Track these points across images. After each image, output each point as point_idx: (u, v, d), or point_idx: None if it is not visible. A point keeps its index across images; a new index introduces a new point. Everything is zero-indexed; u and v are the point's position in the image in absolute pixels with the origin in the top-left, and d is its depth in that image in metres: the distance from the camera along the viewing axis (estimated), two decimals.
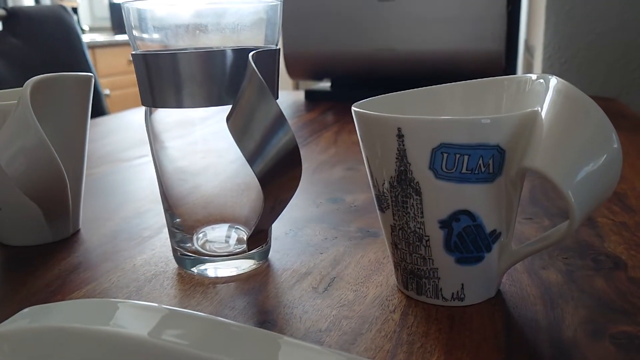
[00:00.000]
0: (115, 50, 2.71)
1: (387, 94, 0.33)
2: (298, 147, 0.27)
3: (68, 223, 0.40)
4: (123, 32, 2.99)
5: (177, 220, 0.35)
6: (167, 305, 0.30)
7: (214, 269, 0.33)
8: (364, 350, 0.26)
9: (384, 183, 0.28)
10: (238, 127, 0.28)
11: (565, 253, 0.35)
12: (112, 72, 2.63)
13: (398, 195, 0.28)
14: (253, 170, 0.27)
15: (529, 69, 1.35)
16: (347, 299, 0.30)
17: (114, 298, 0.31)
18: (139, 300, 0.31)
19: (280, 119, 0.27)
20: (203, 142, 0.34)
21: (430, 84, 0.34)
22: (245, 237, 0.34)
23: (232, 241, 0.35)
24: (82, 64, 1.15)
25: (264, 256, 0.35)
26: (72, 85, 0.37)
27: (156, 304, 0.25)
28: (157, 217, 0.44)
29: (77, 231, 0.42)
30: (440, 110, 0.33)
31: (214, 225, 0.35)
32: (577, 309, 0.29)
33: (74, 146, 0.39)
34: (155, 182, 0.54)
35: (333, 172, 0.55)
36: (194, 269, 0.34)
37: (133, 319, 0.24)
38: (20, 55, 1.05)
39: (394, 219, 0.29)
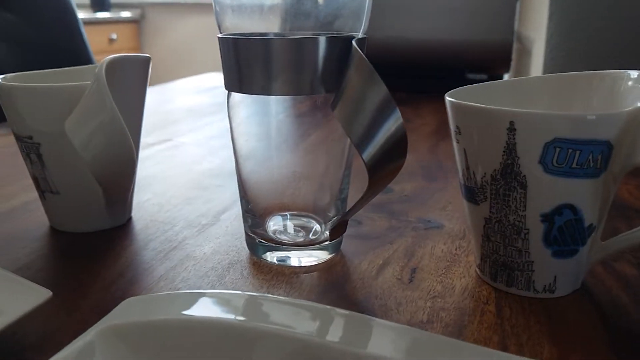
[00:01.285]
0: (95, 29, 2.63)
1: (472, 85, 0.33)
2: (406, 135, 0.27)
3: (125, 209, 0.39)
4: (103, 9, 2.89)
5: (250, 206, 0.34)
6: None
7: (297, 258, 0.33)
8: (474, 342, 0.26)
9: (483, 176, 0.28)
10: (346, 113, 0.27)
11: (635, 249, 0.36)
12: (94, 51, 2.55)
13: (500, 188, 0.28)
14: (361, 157, 0.27)
15: (525, 58, 1.37)
16: (436, 290, 0.31)
17: (198, 288, 0.31)
18: (224, 289, 0.30)
19: (390, 104, 0.26)
20: (280, 129, 0.33)
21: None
22: (316, 228, 0.34)
23: (308, 231, 0.34)
24: (78, 41, 1.11)
25: (338, 247, 0.35)
26: (137, 66, 0.36)
27: (268, 294, 0.25)
28: (209, 204, 0.43)
29: (130, 218, 0.40)
30: (527, 103, 0.33)
31: (285, 213, 0.34)
32: None
33: (135, 127, 0.37)
34: (193, 168, 0.53)
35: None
36: (273, 258, 0.33)
37: (247, 309, 0.24)
38: (15, 30, 1.01)
39: (490, 212, 0.29)
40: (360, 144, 0.27)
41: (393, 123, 0.26)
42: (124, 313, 0.24)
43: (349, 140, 0.32)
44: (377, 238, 0.37)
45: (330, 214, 0.34)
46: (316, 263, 0.33)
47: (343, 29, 0.31)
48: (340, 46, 0.29)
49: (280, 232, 0.34)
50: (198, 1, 3.05)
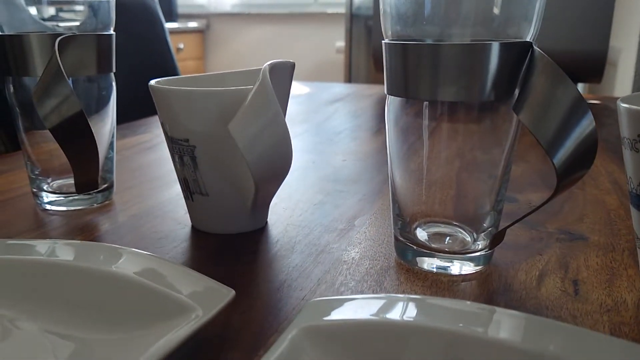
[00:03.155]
0: None
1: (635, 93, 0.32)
2: (597, 139, 0.26)
3: (266, 212, 0.40)
4: (171, 19, 2.96)
5: (400, 211, 0.34)
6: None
7: (458, 266, 0.33)
8: None
9: None
10: (534, 116, 0.27)
11: None
12: None
13: None
14: (551, 161, 0.26)
15: (610, 70, 1.33)
16: (607, 304, 0.29)
17: (360, 292, 0.31)
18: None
19: (583, 105, 0.26)
20: (437, 137, 0.33)
21: None
22: (466, 238, 0.33)
23: (456, 240, 0.34)
24: (165, 51, 1.15)
25: (490, 258, 0.34)
26: (286, 71, 0.37)
27: (452, 299, 0.25)
28: (338, 209, 0.43)
29: (266, 222, 0.41)
30: None
31: (435, 221, 0.34)
32: None
33: None
34: (309, 174, 0.53)
35: None
36: (431, 266, 0.33)
37: (429, 313, 0.24)
38: None
39: None
40: (551, 148, 0.26)
41: (587, 125, 0.26)
42: (313, 315, 0.25)
43: (507, 149, 0.32)
44: (524, 248, 0.36)
45: (485, 225, 0.33)
46: (472, 272, 0.33)
47: (508, 33, 0.31)
48: (516, 51, 0.29)
49: (430, 240, 0.34)
50: (261, 11, 3.12)
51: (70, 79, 0.41)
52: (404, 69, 0.31)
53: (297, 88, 1.15)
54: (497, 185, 0.33)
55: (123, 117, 0.79)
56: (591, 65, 0.93)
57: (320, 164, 0.57)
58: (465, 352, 0.22)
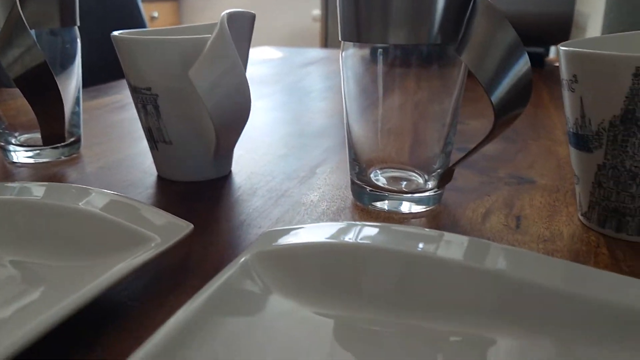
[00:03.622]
0: None
1: (582, 39, 0.34)
2: (532, 80, 0.28)
3: (229, 160, 0.41)
4: None
5: (356, 156, 0.35)
6: None
7: (408, 205, 0.34)
8: None
9: (601, 122, 0.29)
10: (475, 56, 0.28)
11: None
12: None
13: (618, 134, 0.29)
14: (490, 99, 0.28)
15: (579, 34, 1.35)
16: (545, 235, 0.32)
17: None
18: None
19: (520, 47, 0.27)
20: (389, 82, 0.35)
21: None
22: (419, 180, 0.35)
23: (410, 183, 0.36)
24: (136, 14, 1.13)
25: (440, 198, 0.36)
26: (246, 22, 0.38)
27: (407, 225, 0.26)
28: (301, 160, 0.45)
29: (231, 171, 0.42)
30: None
31: (389, 165, 0.36)
32: None
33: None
34: (276, 130, 0.55)
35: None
36: (384, 205, 0.35)
37: (383, 237, 0.26)
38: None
39: (605, 159, 0.30)
40: (489, 87, 0.28)
41: (523, 66, 0.27)
42: (267, 242, 0.26)
43: (456, 95, 0.34)
44: (474, 191, 0.39)
45: (435, 167, 0.35)
46: (423, 210, 0.35)
47: None
48: None
49: (384, 183, 0.35)
50: None
51: (34, 31, 0.42)
52: (356, 14, 0.32)
53: (272, 53, 1.15)
54: (447, 130, 0.35)
55: (95, 82, 0.79)
56: (557, 28, 0.95)
57: (288, 120, 0.59)
58: (420, 272, 0.24)
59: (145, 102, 0.38)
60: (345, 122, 0.36)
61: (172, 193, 0.38)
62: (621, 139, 0.29)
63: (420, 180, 0.36)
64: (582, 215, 0.33)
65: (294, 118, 0.60)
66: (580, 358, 0.20)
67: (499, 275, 0.23)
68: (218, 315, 0.21)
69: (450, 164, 0.34)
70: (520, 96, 0.28)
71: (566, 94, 0.31)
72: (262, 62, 1.02)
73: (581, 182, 0.32)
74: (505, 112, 0.29)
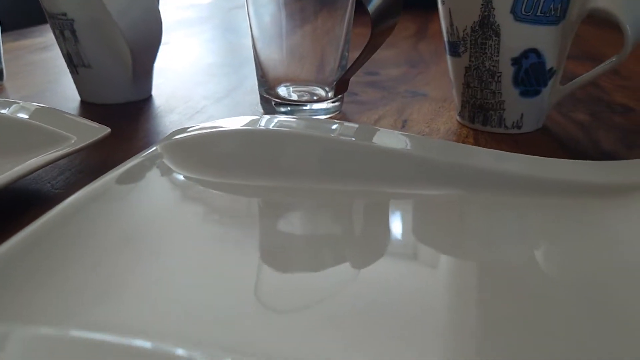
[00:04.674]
0: None
1: None
2: None
3: (149, 83, 0.44)
4: None
5: (263, 74, 0.39)
6: None
7: (308, 114, 0.39)
8: None
9: (465, 29, 0.34)
10: None
11: (582, 104, 0.43)
12: None
13: (478, 38, 0.34)
14: (367, 8, 0.32)
15: None
16: (424, 132, 0.37)
17: None
18: None
19: None
20: (290, 9, 0.38)
21: None
22: (321, 93, 0.40)
23: (313, 95, 0.40)
24: None
25: (340, 107, 0.41)
26: None
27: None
28: (219, 85, 0.48)
29: (151, 95, 0.45)
30: None
31: (294, 82, 0.40)
32: (607, 133, 0.36)
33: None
34: (197, 62, 0.57)
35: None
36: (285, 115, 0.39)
37: (300, 125, 0.29)
38: None
39: (469, 61, 0.35)
40: None
41: None
42: (179, 134, 0.30)
43: (348, 16, 0.38)
44: (373, 103, 0.43)
45: (333, 79, 0.39)
46: (324, 117, 0.39)
47: None
48: None
49: (290, 95, 0.39)
50: None
51: None
52: None
53: None
54: (341, 46, 0.39)
55: (16, 27, 0.78)
56: None
57: (212, 53, 0.61)
58: (339, 156, 0.28)
59: (62, 27, 0.40)
60: (252, 45, 0.39)
61: (94, 114, 0.41)
62: (480, 42, 0.34)
63: (322, 93, 0.40)
64: (458, 115, 0.39)
65: (218, 52, 0.63)
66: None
67: (375, 148, 0.27)
68: (124, 195, 0.25)
69: (346, 71, 0.38)
70: (393, 7, 0.32)
71: (440, 7, 0.36)
72: (190, 6, 1.03)
73: (455, 85, 0.37)
74: (381, 22, 0.33)
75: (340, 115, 0.40)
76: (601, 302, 0.19)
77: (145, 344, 0.16)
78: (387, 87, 0.47)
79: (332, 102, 0.40)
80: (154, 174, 0.27)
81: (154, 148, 0.28)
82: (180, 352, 0.16)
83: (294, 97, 0.40)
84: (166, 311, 0.18)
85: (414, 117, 0.40)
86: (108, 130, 0.31)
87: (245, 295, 0.20)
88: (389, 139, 0.29)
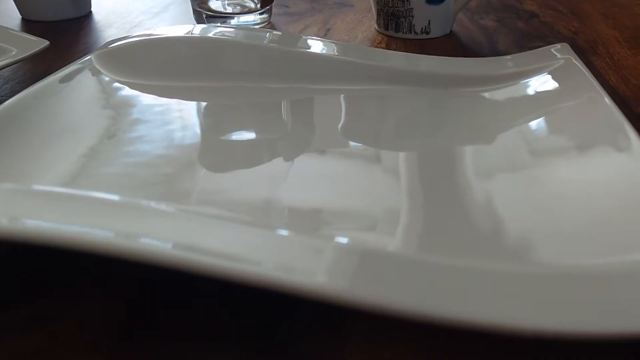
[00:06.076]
0: None
1: None
2: None
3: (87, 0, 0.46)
4: None
5: None
6: None
7: (237, 20, 0.42)
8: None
9: None
10: None
11: (494, 11, 0.46)
12: None
13: None
14: None
15: None
16: (344, 39, 0.40)
17: None
18: None
19: None
20: None
21: None
22: (251, 5, 0.42)
23: (244, 7, 0.43)
24: None
25: (269, 18, 0.44)
26: None
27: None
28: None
29: (91, 12, 0.47)
30: None
31: None
32: (506, 37, 0.40)
33: None
34: None
35: None
36: (217, 24, 0.42)
37: (237, 35, 0.33)
38: None
39: None
40: None
41: None
42: (114, 42, 0.33)
43: None
44: (301, 14, 0.46)
45: None
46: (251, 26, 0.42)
47: None
48: None
49: (221, 8, 0.42)
50: None
51: None
52: None
53: None
54: None
55: None
56: None
57: None
58: (274, 64, 0.31)
59: None
60: None
61: (35, 30, 0.43)
62: None
63: (252, 4, 0.43)
64: (375, 23, 0.42)
65: None
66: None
67: (297, 53, 0.31)
68: (61, 95, 0.28)
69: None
70: None
71: None
72: None
73: None
74: None
75: (268, 26, 0.43)
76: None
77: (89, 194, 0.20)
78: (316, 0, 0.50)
79: (260, 14, 0.43)
80: (87, 78, 0.30)
81: (89, 57, 0.31)
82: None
83: (229, 9, 0.43)
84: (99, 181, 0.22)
85: (337, 27, 0.43)
86: (47, 42, 0.34)
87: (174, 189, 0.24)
88: (309, 44, 0.32)
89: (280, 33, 0.33)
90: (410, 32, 0.40)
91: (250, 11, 0.42)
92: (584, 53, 0.37)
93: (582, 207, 0.19)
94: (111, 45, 0.32)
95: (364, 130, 0.27)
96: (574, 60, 0.29)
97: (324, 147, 0.25)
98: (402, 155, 0.25)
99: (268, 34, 0.33)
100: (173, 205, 0.21)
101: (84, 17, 0.46)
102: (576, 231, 0.18)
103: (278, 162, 0.24)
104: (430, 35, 0.40)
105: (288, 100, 0.30)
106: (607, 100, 0.23)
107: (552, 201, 0.20)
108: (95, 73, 0.31)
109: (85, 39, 0.41)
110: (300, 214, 0.21)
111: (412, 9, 0.39)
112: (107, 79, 0.31)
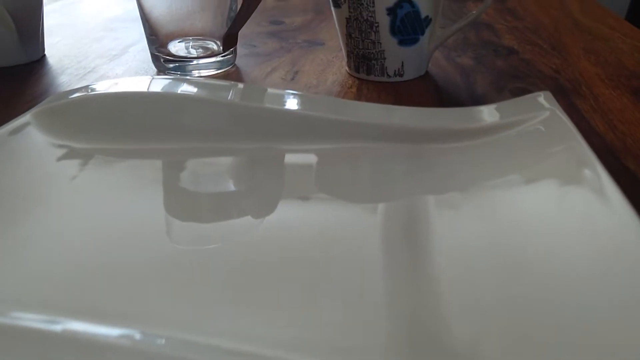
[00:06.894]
0: None
1: None
2: None
3: (38, 45, 0.43)
4: None
5: (153, 31, 0.39)
6: None
7: (197, 71, 0.39)
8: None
9: None
10: None
11: (472, 48, 0.44)
12: None
13: None
14: None
15: None
16: (312, 83, 0.38)
17: None
18: None
19: None
20: None
21: None
22: (214, 47, 0.40)
23: (206, 50, 0.40)
24: None
25: (233, 61, 0.41)
26: None
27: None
28: (117, 40, 0.47)
29: (44, 55, 0.44)
30: None
31: (185, 37, 0.40)
32: (484, 77, 0.38)
33: None
34: (99, 15, 0.56)
35: (265, 2, 0.60)
36: (176, 73, 0.39)
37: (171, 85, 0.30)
38: None
39: (349, 12, 0.36)
40: None
41: None
42: (55, 100, 0.30)
43: None
44: (268, 55, 0.44)
45: (224, 33, 0.39)
46: (216, 73, 0.40)
47: None
48: None
49: (186, 52, 0.40)
50: None
51: None
52: None
53: None
54: (229, 1, 0.39)
55: None
56: None
57: (112, 7, 0.60)
58: (243, 119, 0.29)
59: None
60: (137, 3, 0.39)
61: None
62: None
63: (215, 47, 0.40)
64: (347, 65, 0.40)
65: (122, 3, 0.61)
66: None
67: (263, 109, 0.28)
68: None
69: (230, 26, 0.38)
70: None
71: None
72: None
73: (340, 35, 0.38)
74: None
75: (233, 68, 0.41)
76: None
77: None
78: (285, 38, 0.48)
79: (223, 57, 0.40)
80: (22, 142, 0.27)
81: (26, 116, 0.28)
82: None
83: (193, 52, 0.40)
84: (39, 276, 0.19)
85: (305, 69, 0.41)
86: None
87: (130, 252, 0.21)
88: (273, 99, 0.29)
89: (242, 87, 0.30)
90: (383, 75, 0.37)
91: (212, 54, 0.40)
92: (567, 94, 0.34)
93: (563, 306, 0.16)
94: (52, 103, 0.29)
95: (332, 189, 0.24)
96: (557, 113, 0.26)
97: (289, 207, 0.23)
98: (370, 212, 0.22)
99: (232, 89, 0.30)
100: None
101: (37, 62, 0.43)
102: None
103: (244, 222, 0.21)
104: (404, 78, 0.38)
105: (252, 163, 0.27)
106: (599, 168, 0.21)
107: (535, 291, 0.17)
108: (33, 135, 0.28)
109: (32, 89, 0.38)
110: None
111: (384, 50, 0.36)
112: (45, 141, 0.28)
